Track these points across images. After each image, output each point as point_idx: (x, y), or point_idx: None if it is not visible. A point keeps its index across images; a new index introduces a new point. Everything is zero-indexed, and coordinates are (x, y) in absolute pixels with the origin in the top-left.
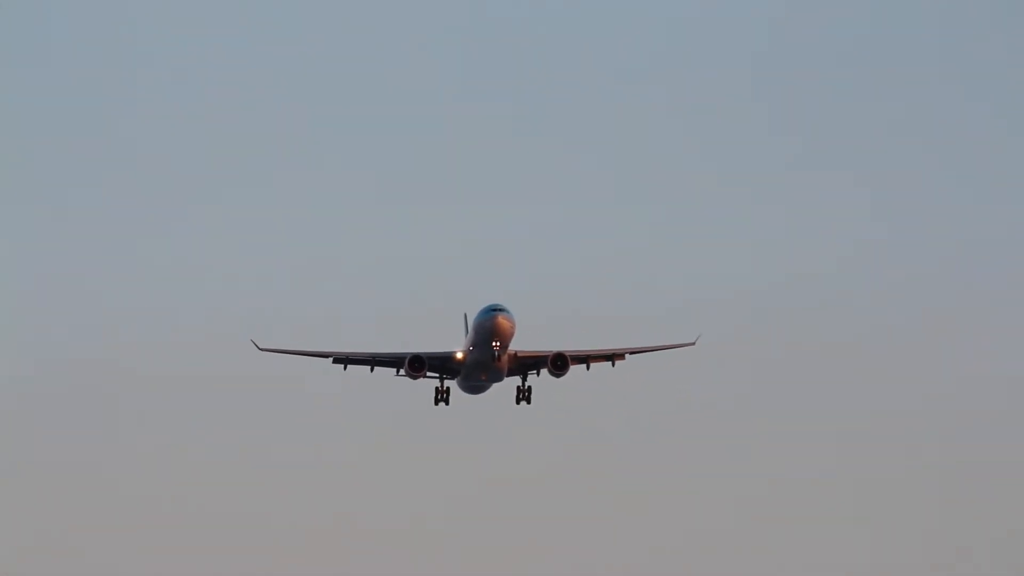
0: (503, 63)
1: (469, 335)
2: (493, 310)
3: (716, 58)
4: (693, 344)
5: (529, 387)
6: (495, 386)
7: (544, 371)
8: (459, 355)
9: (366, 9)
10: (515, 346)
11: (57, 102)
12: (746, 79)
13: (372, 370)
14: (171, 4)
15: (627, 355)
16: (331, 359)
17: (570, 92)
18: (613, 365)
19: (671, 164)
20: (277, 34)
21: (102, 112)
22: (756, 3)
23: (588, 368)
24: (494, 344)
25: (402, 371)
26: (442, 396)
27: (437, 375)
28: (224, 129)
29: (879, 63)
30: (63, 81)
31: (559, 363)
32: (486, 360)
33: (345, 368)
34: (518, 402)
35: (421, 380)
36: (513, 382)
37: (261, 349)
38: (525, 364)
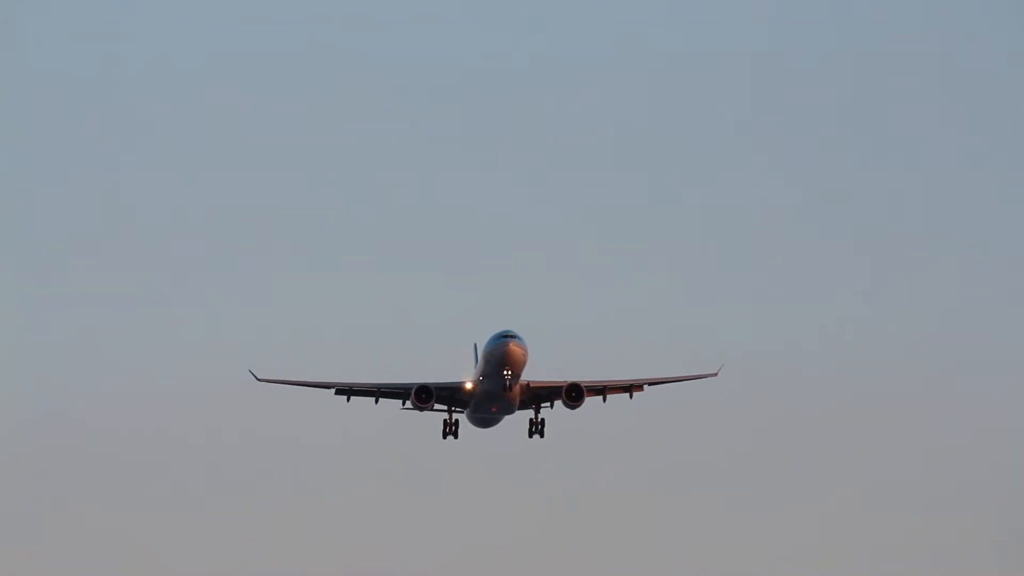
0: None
1: (479, 364)
2: (504, 336)
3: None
4: (715, 375)
5: (542, 420)
6: (506, 419)
7: (558, 403)
8: (468, 385)
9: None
10: (527, 376)
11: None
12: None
13: (377, 402)
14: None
15: (646, 386)
16: (333, 390)
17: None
18: (631, 397)
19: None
20: (273, 83)
21: (94, 124)
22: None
23: (604, 400)
24: (505, 373)
25: (408, 403)
26: (451, 429)
27: (445, 407)
28: (222, 156)
29: (878, 129)
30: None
31: (574, 394)
32: (497, 390)
33: (348, 400)
34: (531, 435)
35: (428, 412)
36: (525, 415)
37: (260, 380)
38: (538, 395)
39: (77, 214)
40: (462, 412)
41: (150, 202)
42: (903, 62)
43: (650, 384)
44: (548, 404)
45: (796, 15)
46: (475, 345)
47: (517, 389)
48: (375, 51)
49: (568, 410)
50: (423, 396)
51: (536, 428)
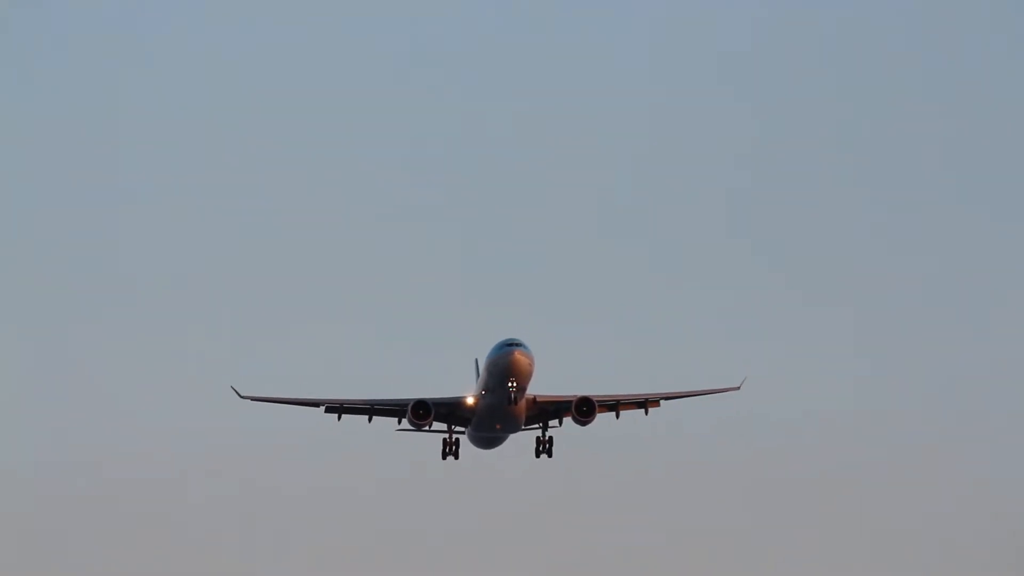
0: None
1: (481, 376)
2: (509, 345)
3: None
4: (738, 389)
5: (550, 438)
6: (511, 438)
7: (567, 419)
8: (470, 400)
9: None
10: (534, 390)
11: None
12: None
13: (370, 420)
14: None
15: (662, 401)
16: (323, 408)
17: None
18: (646, 412)
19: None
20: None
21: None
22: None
23: (618, 416)
24: (510, 385)
25: (404, 421)
26: (451, 449)
27: (445, 424)
28: (209, 167)
29: (873, 197)
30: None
31: (585, 409)
32: (501, 404)
33: (339, 418)
34: (538, 455)
35: (427, 430)
36: (530, 435)
37: (243, 397)
38: (546, 411)
39: (59, 223)
40: (463, 430)
41: (134, 213)
42: (908, 140)
43: (667, 399)
44: (557, 421)
45: (787, 92)
46: (476, 360)
47: (523, 403)
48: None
49: (578, 427)
50: (420, 412)
51: (544, 447)
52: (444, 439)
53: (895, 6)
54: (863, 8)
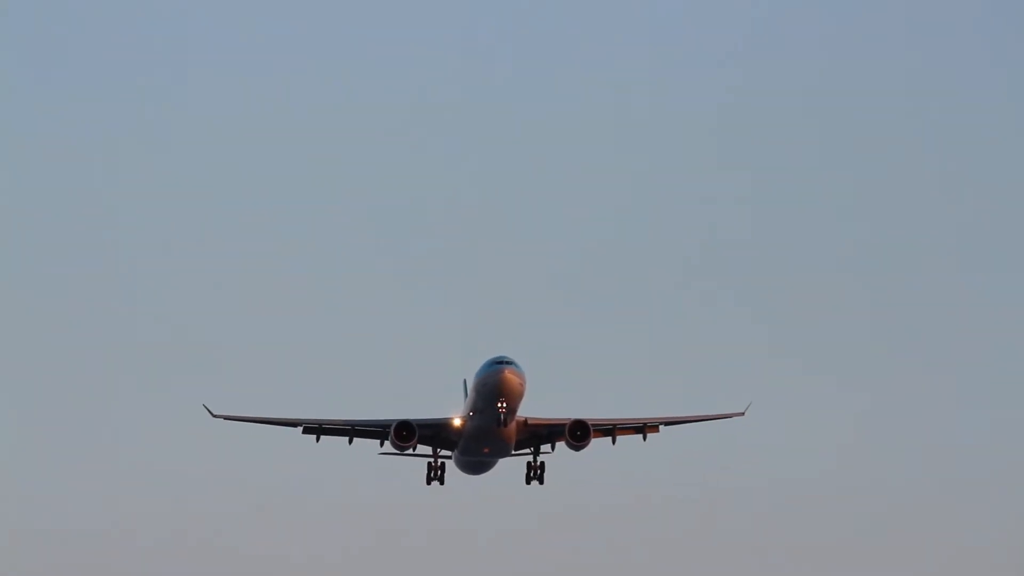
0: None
1: (469, 397)
2: (499, 363)
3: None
4: (742, 415)
5: (542, 463)
6: (500, 463)
7: (560, 444)
8: (457, 422)
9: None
10: (526, 412)
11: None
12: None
13: (351, 442)
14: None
15: (662, 426)
16: (301, 429)
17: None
18: (644, 438)
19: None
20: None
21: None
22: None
23: (614, 441)
24: (500, 405)
25: (387, 443)
26: (436, 473)
27: (430, 448)
28: (194, 172)
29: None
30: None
31: (579, 433)
32: (490, 426)
33: (318, 440)
34: (528, 482)
35: (411, 454)
36: (522, 459)
37: (215, 416)
38: (537, 434)
39: (30, 226)
40: (449, 456)
41: (110, 222)
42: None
43: (667, 424)
44: (549, 446)
45: (789, 97)
46: (464, 381)
47: (513, 426)
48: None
49: (572, 452)
50: (404, 434)
51: (534, 473)
52: (429, 463)
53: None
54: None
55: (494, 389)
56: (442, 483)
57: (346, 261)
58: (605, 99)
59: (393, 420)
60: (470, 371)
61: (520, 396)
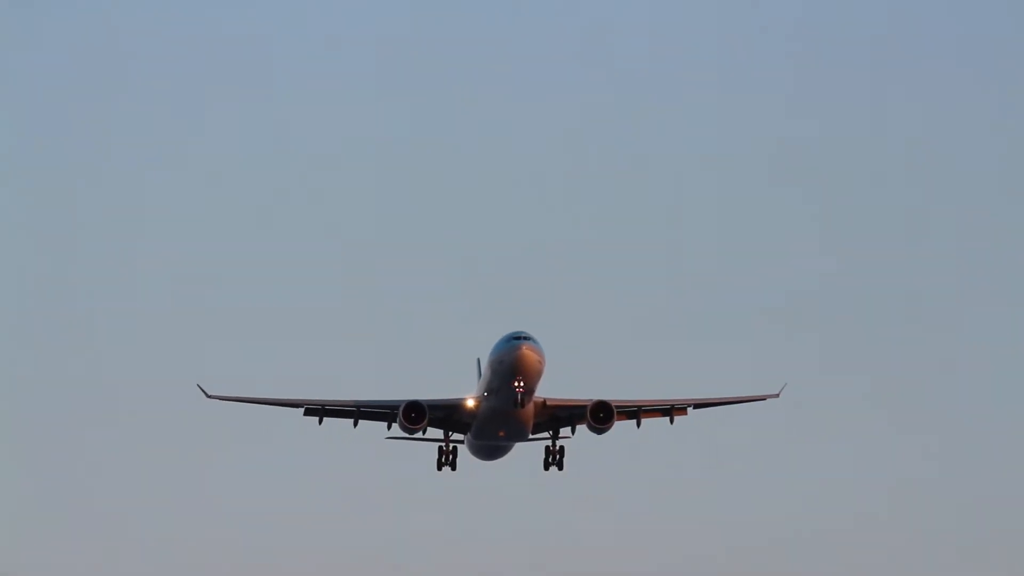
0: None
1: (483, 376)
2: (516, 338)
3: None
4: (777, 396)
5: (561, 447)
6: (516, 448)
7: (581, 427)
8: (470, 403)
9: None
10: (544, 392)
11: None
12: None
13: (356, 424)
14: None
15: (690, 408)
16: (302, 409)
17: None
18: (672, 421)
19: None
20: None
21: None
22: None
23: (639, 424)
24: (517, 384)
25: (395, 426)
26: (447, 458)
27: (441, 431)
28: (198, 154)
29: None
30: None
31: (601, 415)
32: (506, 407)
33: (320, 422)
34: (547, 467)
35: (421, 437)
36: (539, 444)
37: (210, 396)
38: (556, 416)
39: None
40: (461, 441)
41: (109, 207)
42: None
43: (696, 406)
44: (569, 429)
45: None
46: (478, 360)
47: (531, 407)
48: None
49: (593, 436)
50: (414, 416)
51: (553, 458)
52: (440, 447)
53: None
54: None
55: (511, 367)
56: (454, 469)
57: (352, 232)
58: (627, 73)
59: (402, 401)
60: (484, 350)
61: (539, 375)
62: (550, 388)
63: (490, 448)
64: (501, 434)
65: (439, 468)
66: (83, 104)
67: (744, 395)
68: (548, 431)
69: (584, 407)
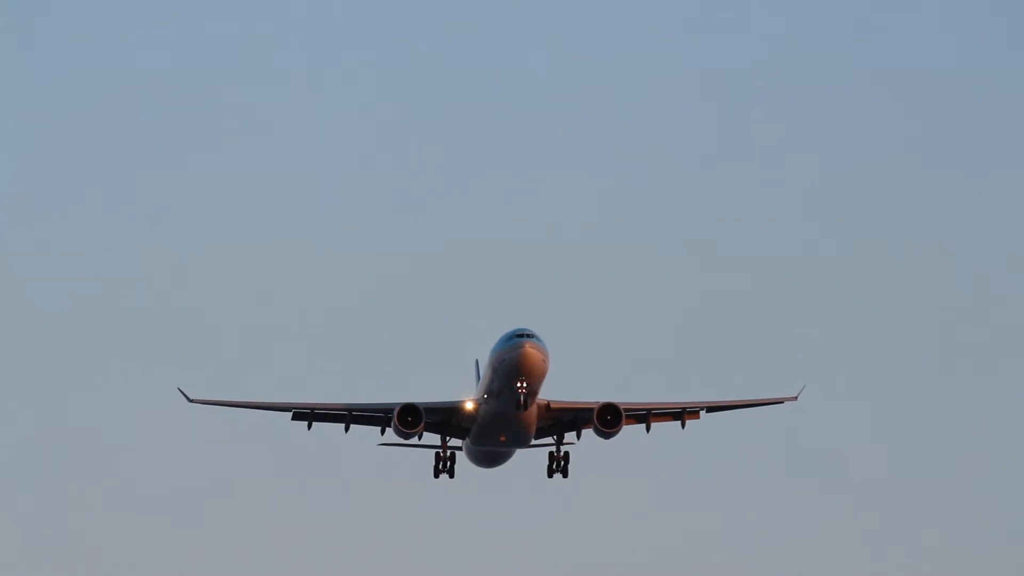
0: None
1: (484, 377)
2: (519, 336)
3: None
4: (795, 399)
5: (566, 453)
6: (517, 454)
7: (587, 431)
8: (469, 405)
9: None
10: (548, 395)
11: None
12: None
13: (347, 429)
14: None
15: (703, 412)
16: (290, 414)
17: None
18: (683, 425)
19: None
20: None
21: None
22: None
23: (648, 429)
24: (519, 385)
25: (389, 431)
26: (445, 465)
27: (438, 436)
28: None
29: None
30: None
31: (609, 418)
32: (507, 410)
33: (310, 427)
34: (550, 474)
35: (416, 444)
36: (542, 451)
37: (191, 401)
38: (561, 420)
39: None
40: (460, 448)
41: (96, 205)
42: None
43: (709, 409)
44: (574, 433)
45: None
46: (476, 362)
47: (534, 410)
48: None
49: (599, 440)
50: (409, 420)
51: (557, 464)
52: (437, 453)
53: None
54: None
55: (513, 366)
56: (452, 476)
57: (341, 227)
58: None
59: (396, 404)
60: (483, 351)
61: (543, 375)
62: (554, 390)
63: (490, 454)
64: (502, 439)
65: (436, 476)
66: (83, 103)
67: (760, 398)
68: (552, 436)
69: (590, 410)
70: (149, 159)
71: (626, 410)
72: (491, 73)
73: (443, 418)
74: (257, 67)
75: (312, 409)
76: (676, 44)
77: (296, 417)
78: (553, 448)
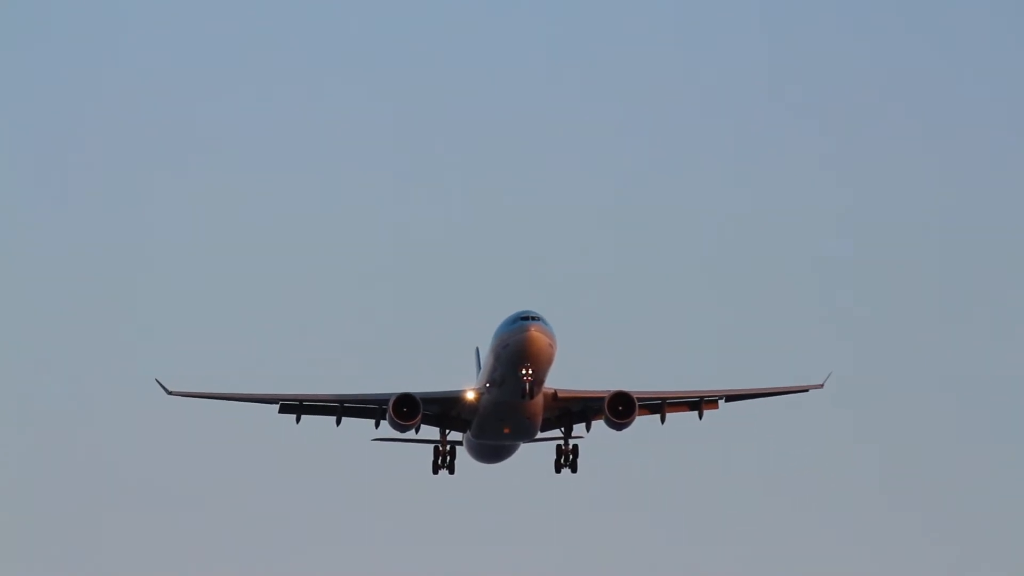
0: None
1: (486, 364)
2: (524, 319)
3: None
4: (821, 387)
5: (575, 447)
6: (522, 448)
7: (597, 423)
8: (470, 395)
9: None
10: (555, 383)
11: None
12: None
13: (339, 422)
14: None
15: (722, 401)
16: (277, 406)
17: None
18: (700, 416)
19: None
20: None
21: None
22: None
23: (663, 419)
24: (524, 372)
25: (384, 423)
26: (444, 460)
27: (437, 428)
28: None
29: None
30: None
31: (621, 408)
32: (511, 400)
33: (298, 420)
34: (558, 469)
35: (413, 437)
36: (547, 444)
37: (171, 393)
38: (569, 411)
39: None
40: (460, 441)
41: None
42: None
43: (728, 399)
44: (584, 425)
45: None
46: (477, 350)
47: (540, 400)
48: None
49: (611, 432)
50: (406, 411)
51: (566, 458)
52: (436, 447)
53: None
54: None
55: (517, 351)
56: (452, 472)
57: (334, 209)
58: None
59: (392, 394)
60: (484, 337)
61: (549, 360)
62: (562, 378)
63: (493, 448)
64: (506, 431)
65: (435, 472)
66: (83, 103)
67: (783, 386)
68: (559, 428)
69: (601, 399)
70: (149, 159)
71: (639, 399)
72: (491, 73)
73: (442, 409)
74: (257, 68)
75: (300, 401)
76: (676, 44)
77: (283, 410)
78: (561, 441)
